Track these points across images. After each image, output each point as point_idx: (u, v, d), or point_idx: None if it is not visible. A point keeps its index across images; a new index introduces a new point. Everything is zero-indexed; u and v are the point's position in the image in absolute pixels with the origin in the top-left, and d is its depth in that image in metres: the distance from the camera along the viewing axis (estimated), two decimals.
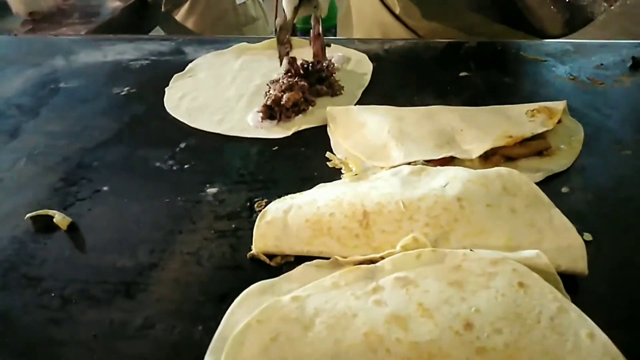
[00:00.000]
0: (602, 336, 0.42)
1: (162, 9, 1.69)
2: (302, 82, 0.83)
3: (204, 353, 0.45)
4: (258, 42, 1.05)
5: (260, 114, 0.78)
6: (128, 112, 0.84)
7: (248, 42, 1.06)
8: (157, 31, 1.78)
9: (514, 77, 0.89)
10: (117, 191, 0.67)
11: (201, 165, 0.71)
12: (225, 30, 1.74)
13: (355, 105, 0.83)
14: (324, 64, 0.88)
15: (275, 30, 0.91)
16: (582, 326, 0.43)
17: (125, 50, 1.07)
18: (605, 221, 0.59)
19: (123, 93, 0.91)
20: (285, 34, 0.89)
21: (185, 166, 0.71)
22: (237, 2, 1.73)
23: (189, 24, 1.74)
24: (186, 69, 0.97)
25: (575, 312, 0.44)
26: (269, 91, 0.81)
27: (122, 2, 1.57)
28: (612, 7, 0.83)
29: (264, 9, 1.90)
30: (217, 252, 0.57)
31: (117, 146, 0.76)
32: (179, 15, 1.73)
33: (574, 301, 0.47)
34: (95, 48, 1.09)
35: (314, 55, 0.90)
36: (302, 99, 0.80)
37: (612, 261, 0.54)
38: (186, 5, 1.71)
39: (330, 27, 2.03)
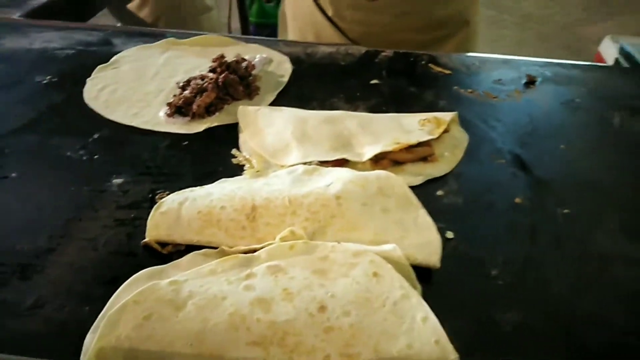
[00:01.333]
0: (433, 319, 0.49)
1: None
2: (233, 76, 0.87)
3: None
4: (188, 37, 1.09)
5: (168, 110, 0.82)
6: (46, 101, 0.87)
7: (177, 37, 1.09)
8: (104, 15, 1.76)
9: (419, 87, 0.97)
10: (24, 178, 0.70)
11: (111, 156, 0.75)
12: (180, 20, 1.73)
13: (268, 106, 0.89)
14: (244, 65, 0.93)
15: None
16: (419, 311, 0.50)
17: (53, 39, 1.08)
18: (468, 222, 0.66)
19: (44, 81, 0.93)
20: None
21: (95, 156, 0.74)
22: None
23: (143, 13, 1.73)
24: (110, 60, 0.99)
25: (416, 299, 0.51)
26: (182, 91, 0.85)
27: None
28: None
29: None
30: (114, 239, 0.62)
31: (31, 134, 0.79)
32: (133, 4, 1.72)
33: (425, 290, 0.55)
34: (22, 34, 1.09)
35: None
36: (216, 100, 0.84)
37: (467, 257, 0.62)
38: None
39: (274, 24, 2.07)
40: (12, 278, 0.56)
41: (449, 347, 0.47)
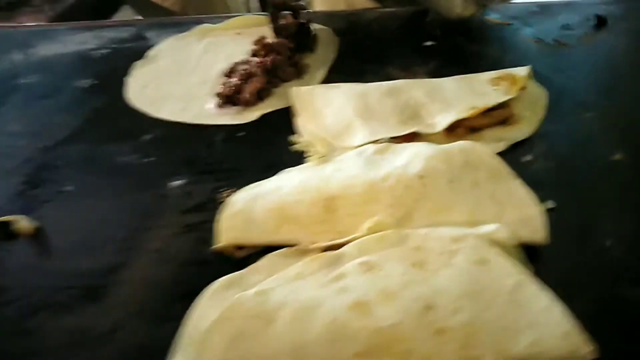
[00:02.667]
0: (559, 308, 0.43)
1: None
2: (279, 57, 0.82)
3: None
4: (220, 21, 1.03)
5: (219, 101, 0.77)
6: (89, 106, 0.82)
7: (211, 22, 1.04)
8: (124, 11, 1.73)
9: (479, 44, 0.89)
10: (81, 191, 0.66)
11: (166, 156, 0.70)
12: (207, 3, 1.67)
13: (321, 84, 0.82)
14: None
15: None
16: (540, 299, 0.44)
17: (85, 40, 1.04)
18: (567, 188, 0.59)
19: (84, 86, 0.88)
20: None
21: (150, 159, 0.70)
22: None
23: (168, 3, 1.66)
24: (147, 55, 0.95)
25: (534, 285, 0.45)
26: (229, 79, 0.80)
27: None
28: None
29: None
30: (185, 247, 0.57)
31: (80, 143, 0.74)
32: None
33: (536, 270, 0.49)
34: (53, 39, 1.05)
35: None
36: (266, 84, 0.78)
37: (575, 228, 0.55)
38: None
39: None
40: (81, 301, 0.53)
41: (583, 338, 0.41)
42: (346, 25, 0.99)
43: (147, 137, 0.74)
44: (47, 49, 1.02)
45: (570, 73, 0.78)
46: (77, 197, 0.65)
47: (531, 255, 0.51)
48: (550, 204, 0.57)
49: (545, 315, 0.43)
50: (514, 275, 0.45)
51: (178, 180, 0.66)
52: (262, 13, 1.01)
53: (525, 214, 0.54)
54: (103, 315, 0.51)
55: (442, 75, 0.80)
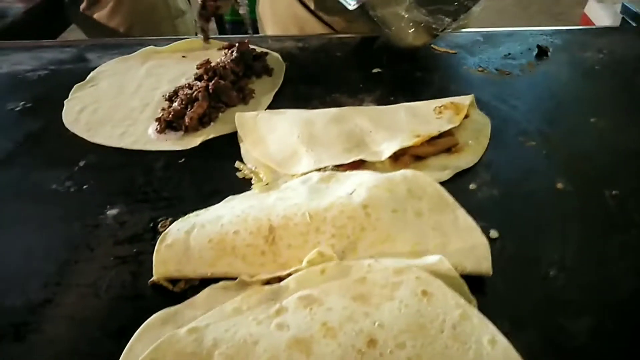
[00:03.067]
0: (503, 342, 0.42)
1: (80, 9, 1.58)
2: (223, 81, 0.80)
3: None
4: (167, 43, 1.01)
5: (158, 126, 0.74)
6: (23, 130, 0.78)
7: (155, 45, 1.01)
8: (73, 31, 1.67)
9: (425, 72, 0.90)
10: (6, 221, 0.62)
11: (101, 184, 0.67)
12: (154, 26, 1.64)
13: (267, 109, 0.81)
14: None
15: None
16: (484, 332, 0.43)
17: (22, 60, 1.00)
18: (511, 216, 0.60)
19: (18, 108, 0.84)
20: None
21: (84, 187, 0.66)
22: None
23: (114, 23, 1.63)
24: (87, 77, 0.91)
25: (477, 318, 0.44)
26: (170, 104, 0.77)
27: (24, 4, 1.47)
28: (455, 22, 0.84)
29: (190, 2, 1.83)
30: (117, 281, 0.54)
31: (9, 169, 0.70)
32: (102, 15, 1.62)
33: (480, 301, 0.48)
34: None
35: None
36: (210, 109, 0.76)
37: (518, 257, 0.55)
38: (111, 4, 1.60)
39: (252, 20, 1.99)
40: (4, 341, 0.48)
41: None
42: (295, 50, 0.99)
43: (82, 163, 0.70)
44: None
45: (513, 102, 0.79)
46: (2, 227, 0.61)
47: (476, 286, 0.50)
48: (494, 234, 0.57)
49: (489, 349, 0.42)
50: (456, 308, 0.45)
51: (113, 209, 0.62)
52: (215, 37, 1.01)
53: (470, 244, 0.53)
54: (28, 356, 0.47)
55: (389, 102, 0.80)
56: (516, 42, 0.98)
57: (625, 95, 0.81)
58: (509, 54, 0.94)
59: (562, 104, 0.79)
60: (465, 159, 0.67)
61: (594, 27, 1.04)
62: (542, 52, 0.93)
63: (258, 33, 1.31)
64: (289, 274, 0.50)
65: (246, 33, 1.15)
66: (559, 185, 0.63)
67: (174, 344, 0.43)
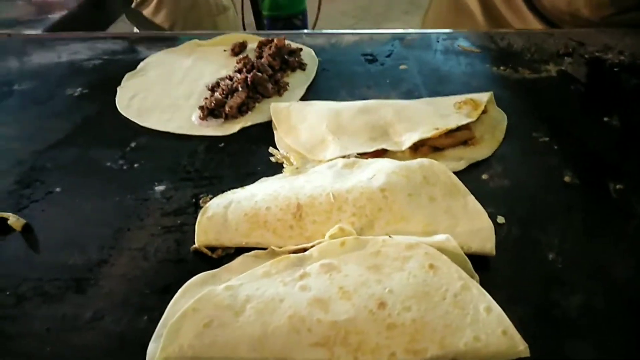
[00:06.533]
0: (497, 310, 0.48)
1: (132, 5, 1.67)
2: (261, 74, 0.87)
3: (149, 341, 0.50)
4: (210, 38, 1.09)
5: (202, 113, 0.82)
6: (80, 113, 0.87)
7: (200, 38, 1.09)
8: (122, 22, 1.77)
9: (449, 69, 0.95)
10: (69, 192, 0.71)
11: (150, 163, 0.75)
12: (197, 22, 1.72)
13: (299, 101, 0.88)
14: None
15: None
16: (481, 301, 0.49)
17: (79, 50, 1.09)
18: (519, 205, 0.65)
19: (76, 94, 0.93)
20: None
21: (135, 165, 0.75)
22: None
23: (159, 19, 1.71)
24: (138, 67, 1.00)
25: (477, 289, 0.50)
26: (212, 94, 0.85)
27: None
28: None
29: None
30: (163, 246, 0.62)
31: (70, 148, 0.79)
32: (147, 10, 1.72)
33: (483, 279, 0.54)
34: (48, 48, 1.10)
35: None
36: (248, 99, 0.84)
37: (521, 242, 0.60)
38: (155, 1, 1.69)
39: (298, 13, 2.05)
40: (68, 292, 0.57)
41: (517, 336, 0.46)
42: (328, 46, 1.05)
43: (133, 144, 0.79)
44: (41, 58, 1.07)
45: (529, 100, 0.84)
46: (64, 198, 0.70)
47: (481, 265, 0.56)
48: (501, 219, 0.62)
49: (485, 315, 0.48)
50: (459, 280, 0.50)
51: (160, 185, 0.70)
52: (254, 32, 1.07)
53: (476, 226, 0.59)
54: (86, 305, 0.55)
55: (413, 96, 0.86)
56: (542, 43, 1.01)
57: None
58: (531, 54, 0.98)
59: (577, 103, 0.83)
60: (480, 152, 0.73)
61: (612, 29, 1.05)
62: (566, 53, 0.97)
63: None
64: (313, 246, 0.57)
65: (282, 28, 1.20)
66: (567, 179, 0.68)
67: (213, 297, 0.50)
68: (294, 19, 2.16)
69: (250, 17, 2.21)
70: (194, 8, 1.74)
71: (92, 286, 0.58)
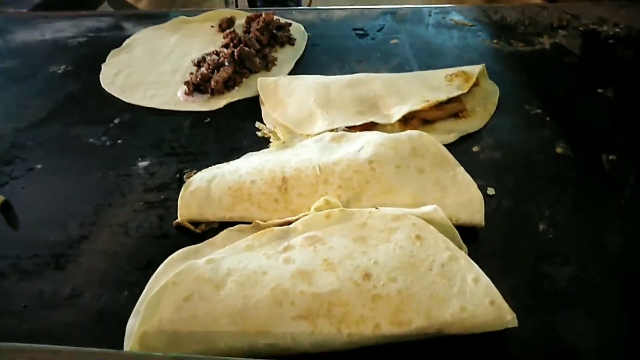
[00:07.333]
0: (485, 279, 0.47)
1: None
2: (248, 49, 0.85)
3: (129, 317, 0.49)
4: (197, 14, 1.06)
5: (187, 89, 0.80)
6: (63, 90, 0.85)
7: (189, 15, 1.07)
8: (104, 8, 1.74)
9: (441, 43, 0.93)
10: (50, 169, 0.69)
11: (134, 140, 0.73)
12: (182, 6, 1.69)
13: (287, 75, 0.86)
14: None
15: None
16: (468, 272, 0.48)
17: (64, 28, 1.06)
18: (509, 177, 0.63)
19: (59, 71, 0.91)
20: None
21: (119, 141, 0.73)
22: None
23: (141, 5, 1.68)
24: (123, 44, 0.98)
25: (464, 260, 0.49)
26: (198, 69, 0.83)
27: None
28: None
29: None
30: (145, 222, 0.60)
31: (52, 125, 0.77)
32: None
33: (473, 251, 0.52)
34: (32, 26, 1.08)
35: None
36: (234, 74, 0.82)
37: (512, 213, 0.59)
38: None
39: None
40: (48, 269, 0.56)
41: (505, 306, 0.45)
42: (318, 21, 1.03)
43: (117, 120, 0.77)
44: (25, 35, 1.05)
45: (522, 72, 0.82)
46: (45, 175, 0.68)
47: (470, 237, 0.55)
48: (491, 191, 0.61)
49: (472, 285, 0.47)
50: (446, 251, 0.49)
51: (144, 161, 0.69)
52: (243, 9, 1.05)
53: (466, 198, 0.57)
54: (65, 282, 0.54)
55: (404, 70, 0.84)
56: (535, 16, 0.99)
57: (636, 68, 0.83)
58: (525, 26, 0.96)
59: (568, 76, 0.81)
60: (471, 124, 0.71)
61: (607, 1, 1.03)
62: (560, 26, 0.95)
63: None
64: (298, 219, 0.55)
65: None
66: (559, 150, 0.66)
67: (193, 270, 0.49)
68: (288, 1, 2.13)
69: (244, 3, 2.18)
70: None
71: (72, 262, 0.56)
